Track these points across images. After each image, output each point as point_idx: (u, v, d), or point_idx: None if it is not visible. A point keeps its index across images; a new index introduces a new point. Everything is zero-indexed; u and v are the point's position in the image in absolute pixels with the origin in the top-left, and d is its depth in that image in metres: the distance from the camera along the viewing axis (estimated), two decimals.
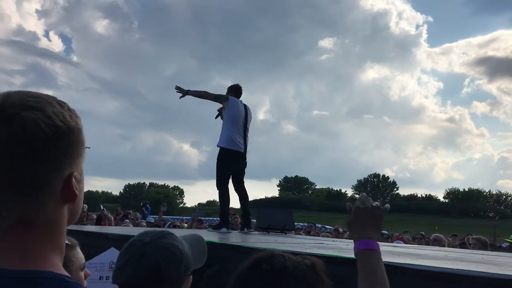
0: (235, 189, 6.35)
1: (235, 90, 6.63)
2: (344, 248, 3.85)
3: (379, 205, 1.59)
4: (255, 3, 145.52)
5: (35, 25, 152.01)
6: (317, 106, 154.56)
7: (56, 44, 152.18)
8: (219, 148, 6.29)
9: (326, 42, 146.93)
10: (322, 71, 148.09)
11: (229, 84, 6.74)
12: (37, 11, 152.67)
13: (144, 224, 9.11)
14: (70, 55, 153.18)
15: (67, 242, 1.72)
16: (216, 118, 6.61)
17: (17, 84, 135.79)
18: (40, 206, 0.79)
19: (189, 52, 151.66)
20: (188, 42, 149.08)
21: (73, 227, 4.64)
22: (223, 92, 6.61)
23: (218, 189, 6.21)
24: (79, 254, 1.77)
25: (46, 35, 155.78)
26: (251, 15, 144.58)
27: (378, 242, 1.51)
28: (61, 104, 0.85)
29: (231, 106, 6.26)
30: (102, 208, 9.36)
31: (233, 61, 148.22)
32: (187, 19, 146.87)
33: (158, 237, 1.51)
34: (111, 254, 3.18)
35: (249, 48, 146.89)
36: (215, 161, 6.30)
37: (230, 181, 6.29)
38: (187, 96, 6.34)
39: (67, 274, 0.81)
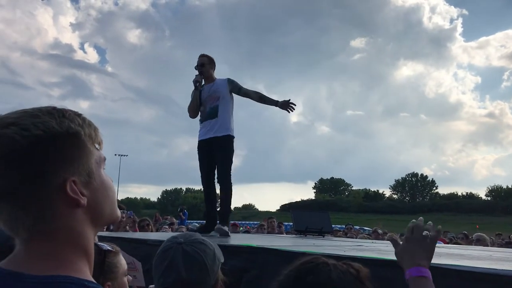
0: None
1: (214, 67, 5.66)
2: (384, 250, 3.80)
3: (428, 235, 1.64)
4: (285, 6, 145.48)
5: (70, 38, 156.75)
6: (351, 106, 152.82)
7: (91, 56, 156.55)
8: (226, 136, 5.32)
9: (358, 42, 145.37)
10: (355, 71, 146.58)
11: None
12: (71, 24, 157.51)
13: (184, 229, 9.19)
14: (104, 65, 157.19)
15: (111, 249, 1.78)
16: (196, 88, 5.49)
17: (55, 96, 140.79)
18: (44, 216, 0.82)
19: (221, 58, 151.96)
20: (219, 48, 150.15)
21: (114, 233, 4.75)
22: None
23: (229, 184, 5.31)
24: (122, 260, 1.82)
25: (82, 47, 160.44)
26: (280, 18, 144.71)
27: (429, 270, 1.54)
28: (52, 112, 0.86)
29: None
30: (130, 214, 9.48)
31: (264, 64, 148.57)
32: (217, 25, 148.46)
33: (189, 236, 1.64)
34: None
35: (280, 51, 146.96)
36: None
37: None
38: None
39: (89, 278, 0.83)
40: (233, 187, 5.36)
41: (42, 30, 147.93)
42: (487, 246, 6.94)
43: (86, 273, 0.85)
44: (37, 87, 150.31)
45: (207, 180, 5.41)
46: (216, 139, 5.28)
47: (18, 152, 0.79)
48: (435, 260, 2.45)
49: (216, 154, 5.32)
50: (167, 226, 9.50)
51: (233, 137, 5.37)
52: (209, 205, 5.52)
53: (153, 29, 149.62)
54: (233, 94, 5.51)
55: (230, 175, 5.30)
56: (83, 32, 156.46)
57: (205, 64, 5.51)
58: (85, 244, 0.87)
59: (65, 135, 0.84)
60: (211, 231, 5.09)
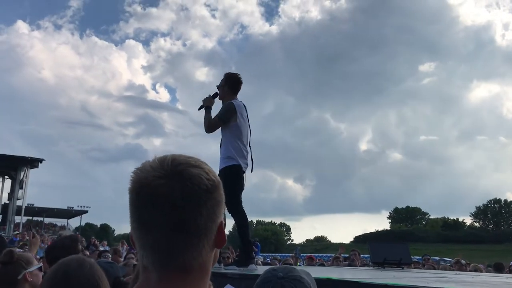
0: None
1: (235, 84, 5.27)
2: (470, 281, 3.64)
3: None
4: (348, 35, 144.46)
5: (143, 79, 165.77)
6: (423, 131, 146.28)
7: (163, 95, 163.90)
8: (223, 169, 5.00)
9: (427, 67, 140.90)
10: (425, 95, 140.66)
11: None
12: (142, 67, 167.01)
13: (260, 262, 9.27)
14: (175, 104, 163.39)
15: None
16: (200, 109, 5.29)
17: (130, 135, 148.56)
18: (200, 251, 0.93)
19: (285, 90, 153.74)
20: (283, 80, 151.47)
21: None
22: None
23: (237, 214, 4.99)
24: None
25: (154, 87, 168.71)
26: (344, 47, 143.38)
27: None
28: (204, 162, 0.99)
29: (240, 117, 5.06)
30: None
31: (330, 93, 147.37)
32: (280, 58, 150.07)
33: (288, 271, 1.66)
34: None
35: (346, 79, 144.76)
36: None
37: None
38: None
39: None
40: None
41: (116, 73, 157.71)
42: None
43: None
44: (113, 127, 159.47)
45: None
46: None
47: (204, 191, 0.93)
48: None
49: None
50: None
51: (233, 166, 4.98)
52: None
53: (220, 66, 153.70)
54: (236, 120, 5.07)
55: (235, 204, 4.93)
56: (155, 73, 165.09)
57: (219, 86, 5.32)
58: (206, 284, 0.98)
59: (220, 184, 0.98)
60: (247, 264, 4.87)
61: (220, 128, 5.15)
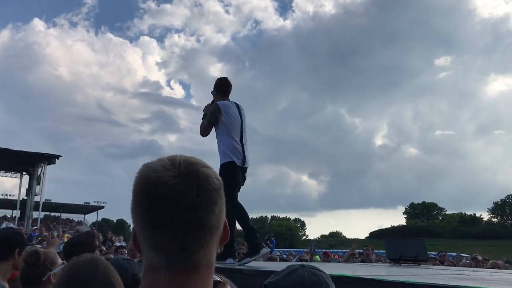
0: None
1: (223, 88, 5.60)
2: (488, 279, 3.60)
3: None
4: (362, 29, 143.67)
5: (157, 76, 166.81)
6: (439, 126, 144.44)
7: (177, 91, 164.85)
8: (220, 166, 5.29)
9: (443, 60, 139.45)
10: (441, 90, 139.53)
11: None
12: (157, 63, 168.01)
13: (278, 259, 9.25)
14: (190, 100, 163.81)
15: (219, 279, 1.89)
16: (203, 118, 5.61)
17: (146, 131, 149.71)
18: (210, 249, 0.95)
19: (300, 85, 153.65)
20: (297, 76, 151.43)
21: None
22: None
23: (235, 209, 5.18)
24: None
25: (168, 84, 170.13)
26: (359, 42, 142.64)
27: None
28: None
29: (226, 114, 5.33)
30: None
31: (345, 88, 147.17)
32: (295, 54, 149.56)
33: (313, 267, 1.74)
34: None
35: (360, 74, 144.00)
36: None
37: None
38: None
39: None
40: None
41: (132, 70, 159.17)
42: None
43: None
44: (129, 124, 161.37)
45: None
46: None
47: (215, 190, 0.95)
48: None
49: None
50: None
51: (227, 163, 5.23)
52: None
53: (234, 62, 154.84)
54: (222, 118, 5.34)
55: (231, 200, 4.97)
56: (169, 70, 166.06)
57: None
58: (211, 281, 0.98)
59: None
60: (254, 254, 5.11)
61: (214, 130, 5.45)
